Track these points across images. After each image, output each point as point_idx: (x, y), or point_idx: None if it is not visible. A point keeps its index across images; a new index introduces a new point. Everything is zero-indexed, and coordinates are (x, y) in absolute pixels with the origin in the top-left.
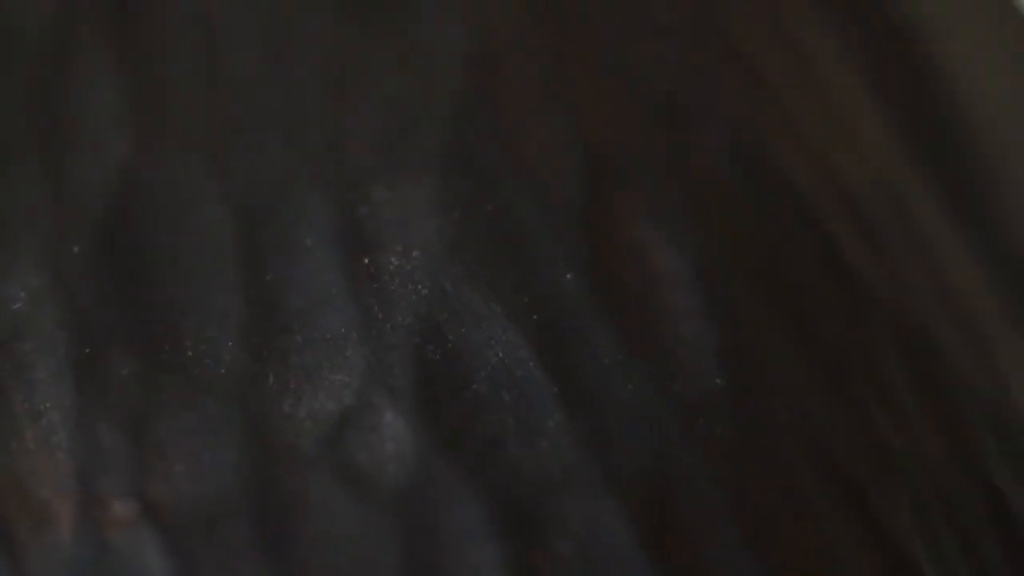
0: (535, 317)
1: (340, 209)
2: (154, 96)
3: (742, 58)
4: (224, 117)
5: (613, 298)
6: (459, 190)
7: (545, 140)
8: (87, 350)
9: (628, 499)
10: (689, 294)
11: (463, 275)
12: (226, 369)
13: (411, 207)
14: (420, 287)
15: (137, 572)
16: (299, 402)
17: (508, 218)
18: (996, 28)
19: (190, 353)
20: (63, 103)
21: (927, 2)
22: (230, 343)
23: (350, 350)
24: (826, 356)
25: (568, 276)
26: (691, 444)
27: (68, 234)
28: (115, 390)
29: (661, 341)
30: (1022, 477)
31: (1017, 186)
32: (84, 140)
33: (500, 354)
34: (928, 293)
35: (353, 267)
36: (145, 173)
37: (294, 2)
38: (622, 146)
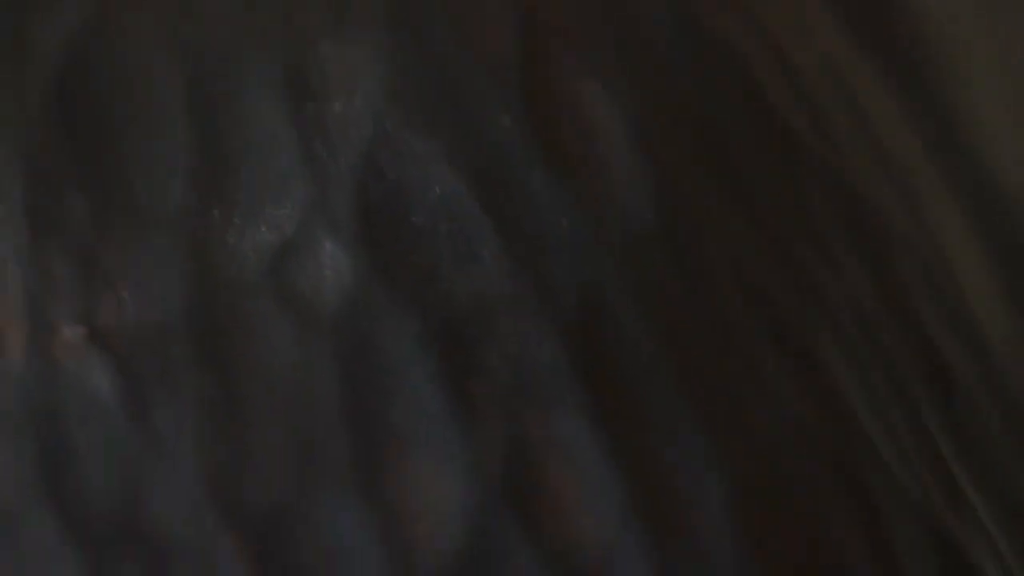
0: (473, 157)
1: (287, 63)
2: None
3: None
4: None
5: (548, 141)
6: (401, 46)
7: (483, 1)
8: (41, 193)
9: (561, 324)
10: (625, 141)
11: (404, 118)
12: (173, 207)
13: (356, 61)
14: (363, 129)
15: (85, 392)
16: (243, 235)
17: (447, 70)
18: None
19: (140, 193)
20: None
21: None
22: (178, 183)
23: (293, 187)
24: (761, 209)
25: (505, 121)
26: (623, 280)
27: (25, 86)
28: (67, 228)
29: (596, 184)
30: (954, 331)
31: (965, 82)
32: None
33: (438, 190)
34: (865, 157)
35: (298, 113)
36: (102, 28)
37: None
38: (559, 7)
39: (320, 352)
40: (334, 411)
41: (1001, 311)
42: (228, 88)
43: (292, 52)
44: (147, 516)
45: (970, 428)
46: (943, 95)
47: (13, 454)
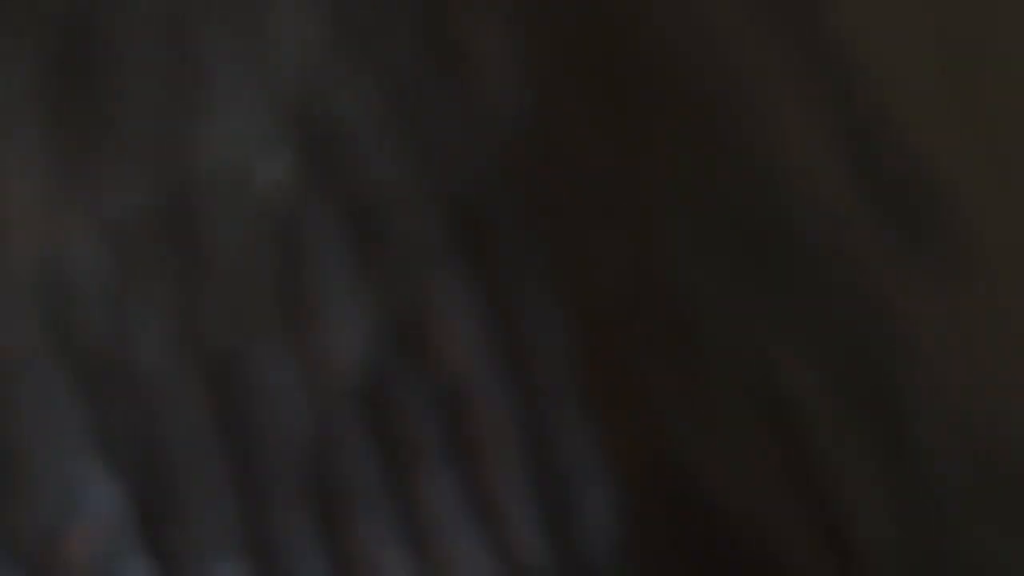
0: (384, 75)
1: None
2: None
3: None
4: None
5: (444, 59)
6: None
7: None
8: (54, 119)
9: (446, 207)
10: (511, 59)
11: (336, 45)
12: (153, 123)
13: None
14: (304, 56)
15: (87, 265)
16: (208, 142)
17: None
18: None
19: (127, 117)
20: None
21: None
22: (157, 102)
23: (248, 101)
24: (633, 116)
25: (414, 46)
26: (501, 173)
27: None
28: (72, 136)
29: (480, 92)
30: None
31: None
32: None
33: (358, 104)
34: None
35: (247, 49)
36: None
37: None
38: None
39: (260, 233)
40: (270, 278)
41: None
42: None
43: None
44: (132, 356)
45: (792, 277)
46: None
47: (30, 311)
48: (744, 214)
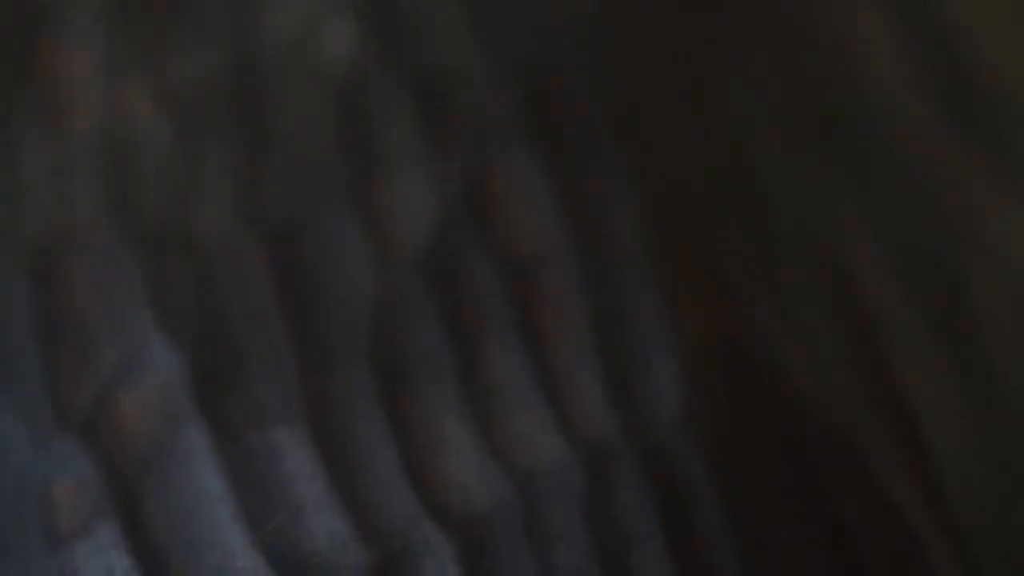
0: None
1: None
2: None
3: None
4: None
5: None
6: None
7: None
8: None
9: (517, 84)
10: None
11: None
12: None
13: None
14: None
15: (149, 137)
16: (273, 14)
17: None
18: None
19: None
20: None
21: None
22: None
23: None
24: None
25: None
26: (572, 53)
27: None
28: (138, 17)
29: None
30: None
31: None
32: None
33: None
34: None
35: None
36: None
37: None
38: None
39: (327, 106)
40: (335, 147)
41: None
42: None
43: None
44: (192, 226)
45: (863, 169)
46: None
47: (92, 184)
48: (817, 93)
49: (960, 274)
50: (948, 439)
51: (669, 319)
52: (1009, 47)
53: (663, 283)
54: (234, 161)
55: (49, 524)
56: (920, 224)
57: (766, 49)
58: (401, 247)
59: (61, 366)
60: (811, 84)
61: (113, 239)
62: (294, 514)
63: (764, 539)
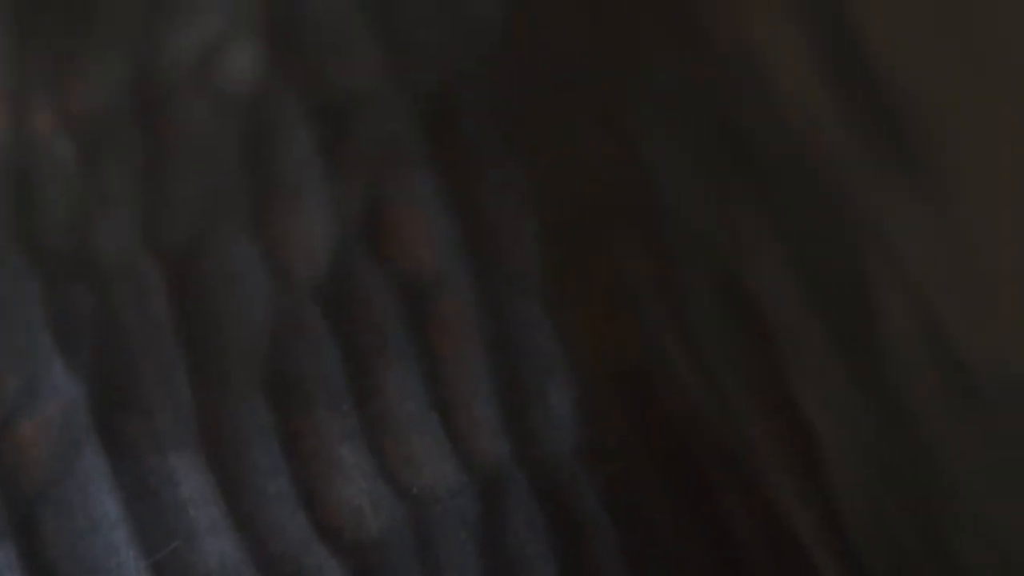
0: None
1: None
2: None
3: None
4: None
5: None
6: None
7: None
8: (25, 12)
9: (418, 106)
10: None
11: None
12: (123, 21)
13: None
14: None
15: (53, 158)
16: (176, 37)
17: None
18: None
19: (100, 12)
20: None
21: None
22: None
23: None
24: (609, 13)
25: None
26: (474, 74)
27: None
28: (43, 36)
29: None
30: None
31: None
32: None
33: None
34: None
35: None
36: None
37: None
38: None
39: (229, 127)
40: (236, 170)
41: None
42: None
43: None
44: (93, 248)
45: (767, 181)
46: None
47: None
48: (723, 106)
49: (863, 286)
50: (843, 454)
51: (564, 344)
52: (918, 55)
53: (559, 307)
54: (135, 182)
55: None
56: (823, 236)
57: (673, 63)
58: (298, 272)
59: None
60: (717, 97)
61: (13, 261)
62: (188, 539)
63: (656, 563)
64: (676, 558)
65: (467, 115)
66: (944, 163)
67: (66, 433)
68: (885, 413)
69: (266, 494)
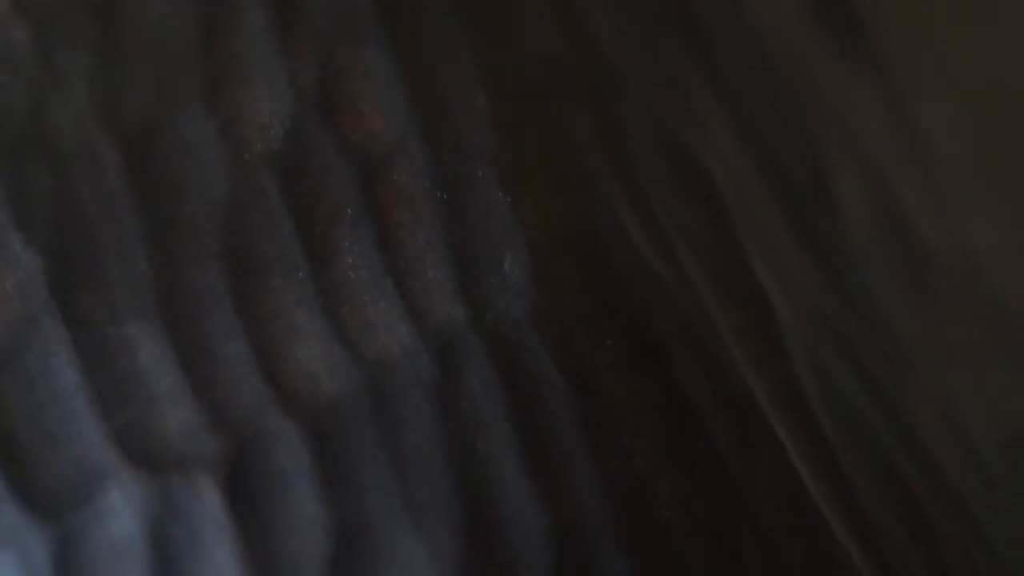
0: None
1: None
2: None
3: None
4: None
5: None
6: None
7: None
8: None
9: None
10: None
11: None
12: None
13: None
14: None
15: (8, 44)
16: None
17: None
18: None
19: None
20: None
21: None
22: None
23: None
24: None
25: None
26: None
27: None
28: None
29: None
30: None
31: None
32: None
33: None
34: None
35: None
36: None
37: None
38: None
39: (182, 7)
40: (190, 49)
41: None
42: None
43: None
44: (49, 129)
45: (721, 62)
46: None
47: None
48: None
49: (818, 166)
50: (798, 325)
51: (518, 211)
52: None
53: (511, 175)
54: (90, 64)
55: None
56: (777, 115)
57: None
58: (253, 145)
59: None
60: None
61: None
62: (147, 406)
63: (611, 425)
64: (631, 420)
65: None
66: (901, 50)
67: (24, 306)
68: (840, 286)
69: (223, 360)
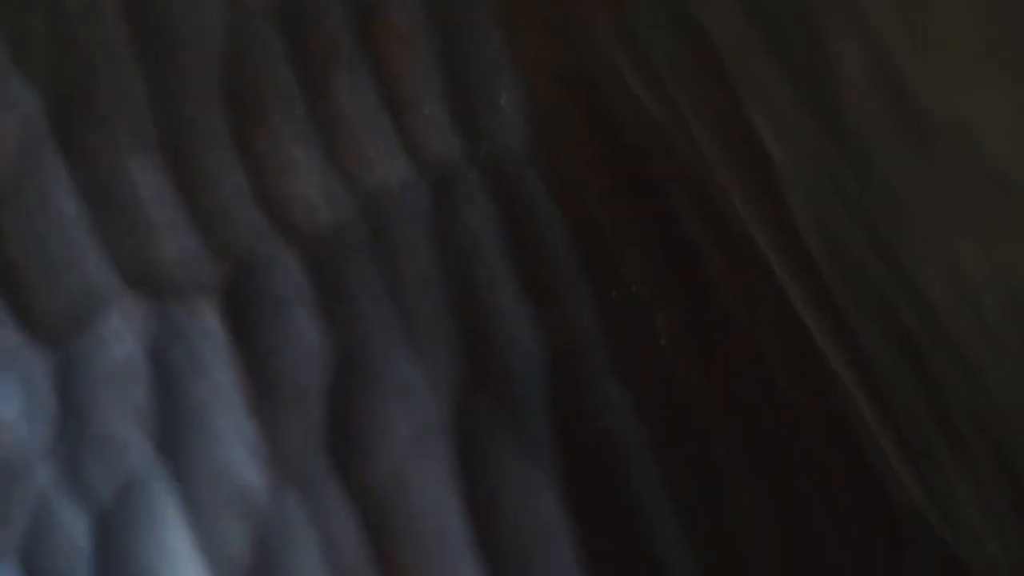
0: None
1: None
2: None
3: None
4: None
5: None
6: None
7: None
8: None
9: None
10: None
11: None
12: None
13: None
14: None
15: None
16: None
17: None
18: None
19: None
20: None
21: None
22: None
23: None
24: None
25: None
26: None
27: None
28: None
29: None
30: None
31: None
32: None
33: None
34: None
35: None
36: None
37: None
38: None
39: None
40: None
41: None
42: None
43: None
44: None
45: None
46: None
47: None
48: None
49: (818, 30)
50: (799, 180)
51: (515, 50)
52: None
53: (509, 15)
54: None
55: None
56: None
57: None
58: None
59: None
60: None
61: None
62: (147, 235)
63: (610, 259)
64: (629, 253)
65: None
66: None
67: (24, 143)
68: (838, 140)
69: (222, 192)
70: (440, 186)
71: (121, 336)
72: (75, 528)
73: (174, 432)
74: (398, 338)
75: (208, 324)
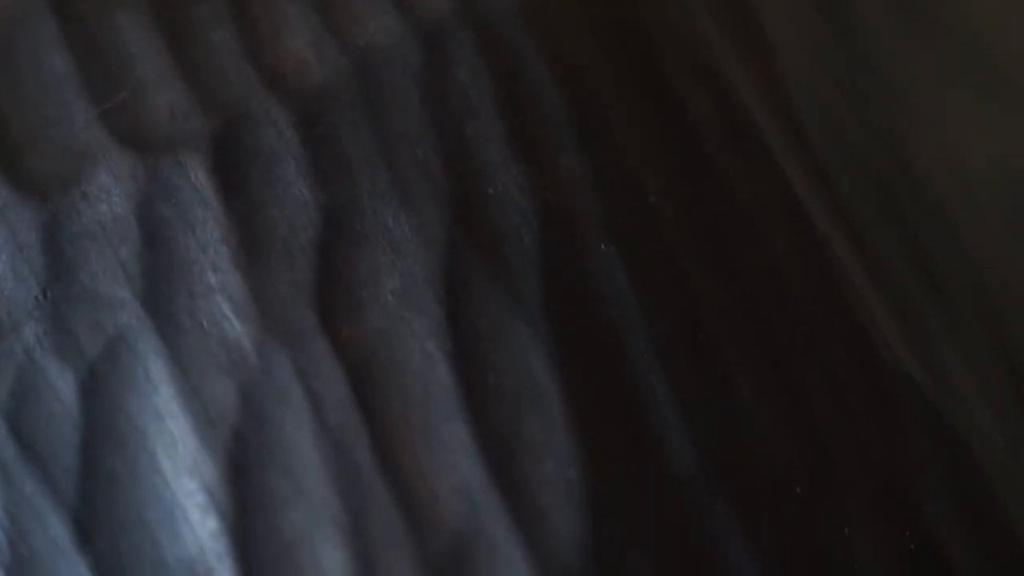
0: None
1: None
2: None
3: None
4: None
5: None
6: None
7: None
8: None
9: None
10: None
11: None
12: None
13: None
14: None
15: None
16: None
17: None
18: None
19: None
20: None
21: None
22: None
23: None
24: None
25: None
26: None
27: None
28: None
29: None
30: None
31: None
32: None
33: None
34: None
35: None
36: None
37: None
38: None
39: None
40: None
41: None
42: None
43: None
44: None
45: None
46: None
47: None
48: None
49: None
50: (798, 62)
51: None
52: None
53: None
54: None
55: None
56: None
57: None
58: None
59: None
60: None
61: None
62: (136, 90)
63: (602, 119)
64: (621, 113)
65: None
66: None
67: (12, 4)
68: (839, 29)
69: (212, 47)
70: (431, 42)
71: (109, 192)
72: (61, 385)
73: (161, 288)
74: (387, 193)
75: (196, 179)
